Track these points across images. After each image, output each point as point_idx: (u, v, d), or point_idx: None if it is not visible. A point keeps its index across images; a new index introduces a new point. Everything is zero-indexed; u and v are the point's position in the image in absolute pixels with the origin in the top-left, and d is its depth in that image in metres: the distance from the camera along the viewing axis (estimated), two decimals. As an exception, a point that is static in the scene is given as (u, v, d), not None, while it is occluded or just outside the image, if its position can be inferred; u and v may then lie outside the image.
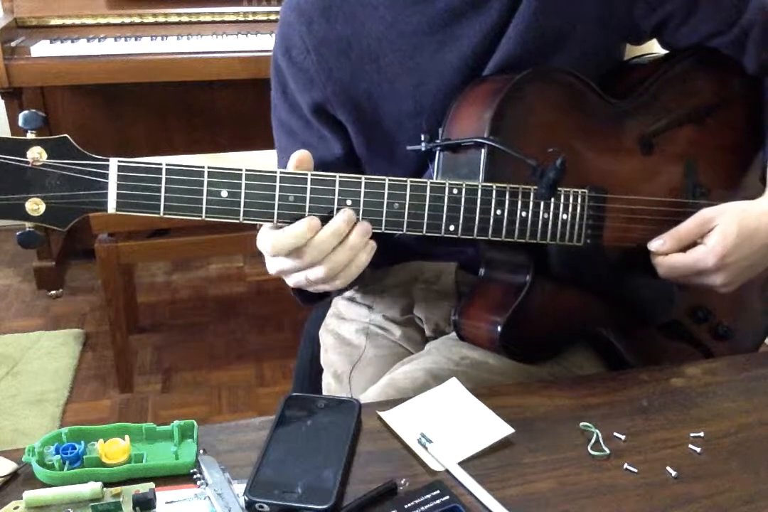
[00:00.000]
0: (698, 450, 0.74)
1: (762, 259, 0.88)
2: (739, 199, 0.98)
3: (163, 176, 0.69)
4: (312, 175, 0.73)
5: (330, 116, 0.96)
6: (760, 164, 1.00)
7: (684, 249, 0.87)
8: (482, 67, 0.91)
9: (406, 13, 0.91)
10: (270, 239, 0.72)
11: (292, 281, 0.78)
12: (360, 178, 0.75)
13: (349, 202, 0.74)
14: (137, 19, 2.48)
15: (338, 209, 0.74)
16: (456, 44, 0.91)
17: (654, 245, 0.88)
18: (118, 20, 2.48)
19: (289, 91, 0.97)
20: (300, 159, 0.74)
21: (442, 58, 0.91)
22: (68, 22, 2.46)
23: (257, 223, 0.74)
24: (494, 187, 0.80)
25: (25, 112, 0.68)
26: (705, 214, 0.87)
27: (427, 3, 0.90)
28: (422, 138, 0.87)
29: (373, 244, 0.75)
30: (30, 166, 0.66)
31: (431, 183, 0.77)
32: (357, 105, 0.94)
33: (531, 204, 0.82)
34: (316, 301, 0.96)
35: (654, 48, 1.01)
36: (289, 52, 0.94)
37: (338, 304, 1.15)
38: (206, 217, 0.72)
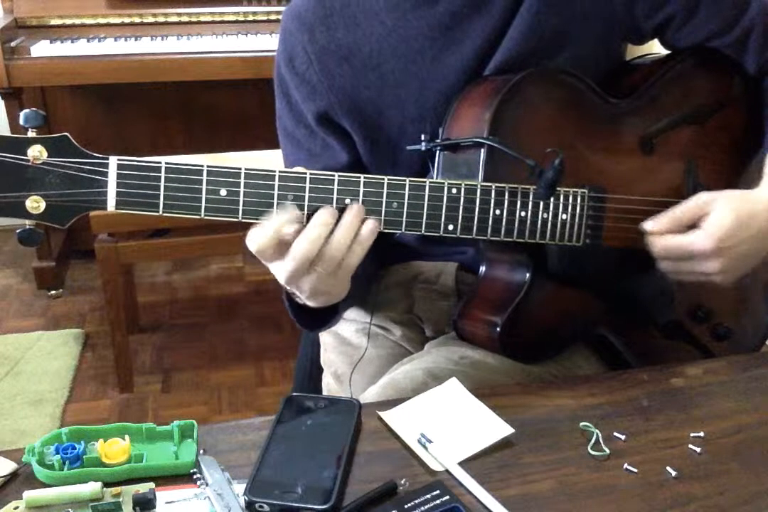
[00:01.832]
0: (698, 450, 0.74)
1: (759, 247, 0.87)
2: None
3: (163, 175, 0.69)
4: (311, 173, 0.73)
5: (335, 124, 0.96)
6: (759, 161, 1.00)
7: (680, 232, 0.86)
8: (484, 69, 0.91)
9: (406, 18, 0.91)
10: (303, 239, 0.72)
11: (303, 287, 0.76)
12: (359, 178, 0.75)
13: (347, 202, 0.74)
14: (137, 19, 2.48)
15: (338, 208, 0.74)
16: (458, 47, 0.91)
17: (648, 224, 0.87)
18: (118, 20, 2.48)
19: (293, 100, 0.97)
20: None
21: (444, 61, 0.91)
22: (68, 22, 2.46)
23: (256, 222, 0.74)
24: (493, 186, 0.80)
25: (26, 110, 0.68)
26: (702, 197, 0.86)
27: (428, 7, 0.90)
28: (422, 138, 0.87)
29: (372, 223, 0.74)
30: (30, 164, 0.66)
31: (430, 182, 0.77)
32: (360, 112, 0.94)
33: (530, 204, 0.82)
34: (319, 326, 0.95)
35: (654, 48, 1.01)
36: (291, 62, 0.94)
37: (338, 304, 1.15)
38: (205, 215, 0.72)
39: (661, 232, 0.86)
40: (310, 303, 0.81)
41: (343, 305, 0.87)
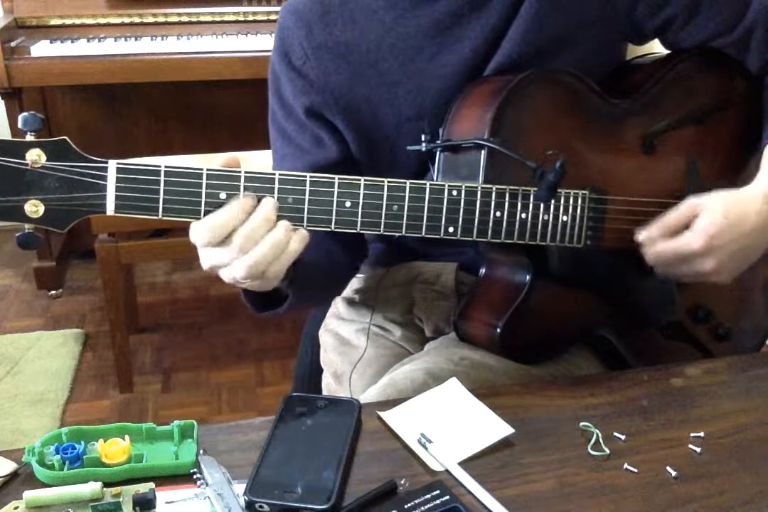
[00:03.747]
0: (698, 450, 0.74)
1: (752, 244, 0.86)
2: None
3: (162, 178, 0.69)
4: (311, 176, 0.73)
5: (326, 119, 0.96)
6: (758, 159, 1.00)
7: (672, 237, 0.86)
8: (483, 69, 0.91)
9: (405, 16, 0.91)
10: (206, 222, 0.70)
11: (225, 276, 0.75)
12: (359, 180, 0.75)
13: (348, 204, 0.74)
14: (137, 19, 2.48)
15: (338, 211, 0.74)
16: (456, 46, 0.91)
17: (642, 235, 0.87)
18: (118, 20, 2.48)
19: (284, 96, 0.96)
20: (227, 161, 0.72)
21: (443, 60, 0.91)
22: (68, 22, 2.46)
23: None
24: (494, 188, 0.80)
25: (25, 114, 0.68)
26: (690, 201, 0.86)
27: (427, 6, 0.90)
28: (423, 138, 0.87)
29: (304, 233, 0.73)
30: (29, 168, 0.66)
31: (430, 184, 0.77)
32: (356, 110, 0.94)
33: (531, 205, 0.82)
34: (267, 309, 0.91)
35: (655, 48, 1.01)
36: (288, 57, 0.94)
37: (338, 305, 1.15)
38: (205, 219, 0.71)
39: (653, 240, 0.86)
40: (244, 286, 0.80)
41: (297, 296, 0.85)
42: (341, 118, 0.94)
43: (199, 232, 0.71)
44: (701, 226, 0.84)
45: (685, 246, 0.84)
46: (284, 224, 0.72)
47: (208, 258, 0.74)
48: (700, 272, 0.86)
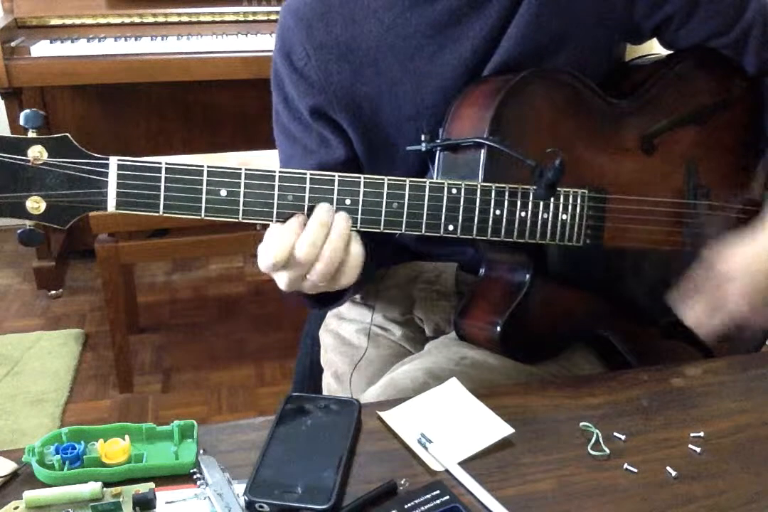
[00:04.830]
0: (698, 450, 0.74)
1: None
2: (739, 199, 0.98)
3: (163, 175, 0.69)
4: (311, 174, 0.73)
5: (331, 119, 0.96)
6: (765, 169, 1.00)
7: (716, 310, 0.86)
8: (482, 68, 0.91)
9: (405, 15, 0.91)
10: (271, 246, 0.72)
11: (307, 289, 0.77)
12: (359, 178, 0.75)
13: (348, 202, 0.74)
14: (137, 19, 2.48)
15: (338, 209, 0.74)
16: (455, 46, 0.91)
17: (690, 320, 0.87)
18: (118, 20, 2.48)
19: (289, 97, 0.96)
20: None
21: (442, 60, 0.91)
22: (68, 22, 2.46)
23: (256, 222, 0.74)
24: (493, 187, 0.80)
25: (27, 111, 0.68)
26: (714, 269, 0.85)
27: (426, 5, 0.90)
28: (422, 138, 0.87)
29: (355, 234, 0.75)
30: (31, 164, 0.66)
31: (430, 183, 0.77)
32: (357, 108, 0.94)
33: (530, 204, 0.82)
34: (330, 304, 0.94)
35: (654, 48, 1.01)
36: (289, 58, 0.94)
37: (338, 304, 1.15)
38: (205, 216, 0.72)
39: (702, 320, 0.86)
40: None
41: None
42: (344, 115, 0.94)
43: (264, 256, 0.72)
44: (739, 296, 0.84)
45: (734, 314, 0.85)
46: (342, 215, 0.74)
47: (282, 279, 0.75)
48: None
